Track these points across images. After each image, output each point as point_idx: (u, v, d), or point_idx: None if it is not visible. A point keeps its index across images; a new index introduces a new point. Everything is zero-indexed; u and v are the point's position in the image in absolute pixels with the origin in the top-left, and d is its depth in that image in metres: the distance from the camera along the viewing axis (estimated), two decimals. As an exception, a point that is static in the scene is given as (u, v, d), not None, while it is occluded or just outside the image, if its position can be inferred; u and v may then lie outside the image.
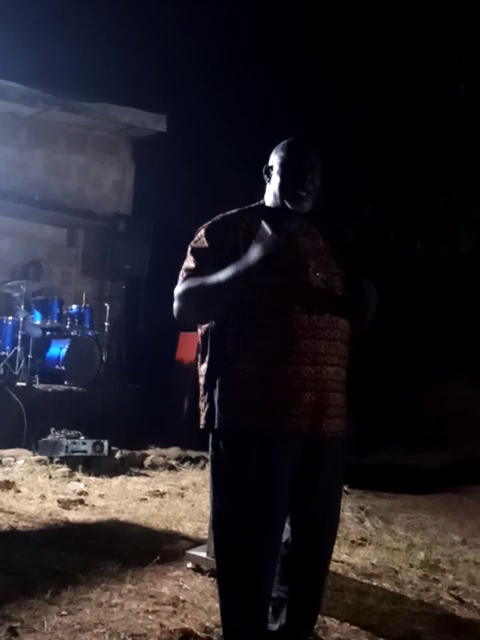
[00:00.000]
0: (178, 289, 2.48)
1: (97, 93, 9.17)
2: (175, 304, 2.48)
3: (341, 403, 2.54)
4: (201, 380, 2.54)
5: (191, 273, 2.47)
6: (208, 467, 6.71)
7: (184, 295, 2.46)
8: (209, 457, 2.59)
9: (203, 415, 2.51)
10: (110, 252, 9.47)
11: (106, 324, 8.92)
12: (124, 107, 9.35)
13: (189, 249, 2.54)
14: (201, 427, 2.53)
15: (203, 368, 2.52)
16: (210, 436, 2.53)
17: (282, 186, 2.57)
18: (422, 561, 4.20)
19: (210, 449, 2.54)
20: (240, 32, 11.17)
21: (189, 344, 8.66)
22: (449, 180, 10.25)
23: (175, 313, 2.49)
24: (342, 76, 11.12)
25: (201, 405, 2.53)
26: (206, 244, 2.50)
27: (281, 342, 2.42)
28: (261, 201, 2.68)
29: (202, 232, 2.55)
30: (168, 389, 9.02)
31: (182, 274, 2.51)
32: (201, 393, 2.53)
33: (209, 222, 2.58)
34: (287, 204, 2.57)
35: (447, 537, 4.86)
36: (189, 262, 2.51)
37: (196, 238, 2.55)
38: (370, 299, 2.53)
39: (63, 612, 3.03)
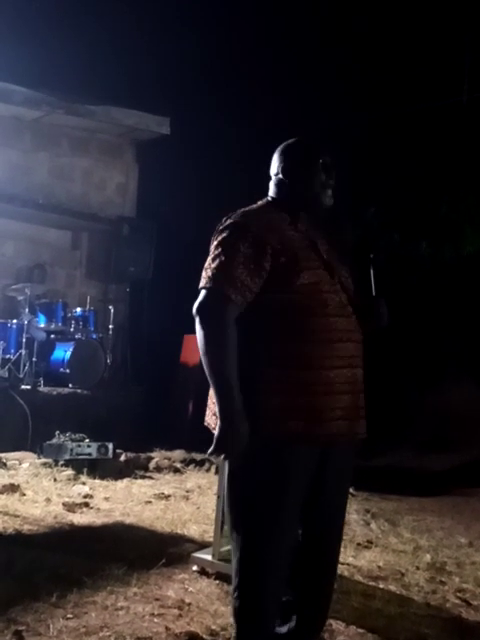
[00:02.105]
0: (207, 317, 2.37)
1: (101, 96, 9.17)
2: (198, 324, 2.39)
3: (365, 404, 2.57)
4: None
5: (223, 278, 2.36)
6: (215, 470, 6.65)
7: (205, 331, 2.36)
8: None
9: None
10: (114, 255, 9.46)
11: (110, 327, 8.92)
12: (127, 110, 9.36)
13: (219, 249, 2.42)
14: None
15: None
16: None
17: (310, 182, 2.58)
18: (428, 564, 4.18)
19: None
20: (242, 34, 11.16)
21: (193, 347, 8.61)
22: (453, 181, 10.22)
23: (197, 328, 2.40)
24: (345, 77, 11.11)
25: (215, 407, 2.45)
26: (237, 241, 2.41)
27: (321, 346, 2.41)
28: (267, 199, 2.65)
29: (231, 231, 2.44)
30: (173, 392, 9.00)
31: (211, 276, 2.39)
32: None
33: (232, 221, 2.48)
34: (312, 201, 2.59)
35: (453, 539, 4.84)
36: (220, 263, 2.39)
37: (222, 238, 2.44)
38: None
39: (69, 615, 3.03)
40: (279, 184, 2.63)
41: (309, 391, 2.39)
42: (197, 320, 2.40)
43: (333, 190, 2.62)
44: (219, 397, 2.34)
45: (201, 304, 2.40)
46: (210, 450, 2.36)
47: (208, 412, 2.54)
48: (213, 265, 2.41)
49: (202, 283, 2.42)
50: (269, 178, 2.70)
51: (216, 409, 2.44)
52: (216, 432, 2.34)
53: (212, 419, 2.49)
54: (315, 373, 2.40)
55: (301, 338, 2.40)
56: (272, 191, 2.66)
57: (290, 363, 2.39)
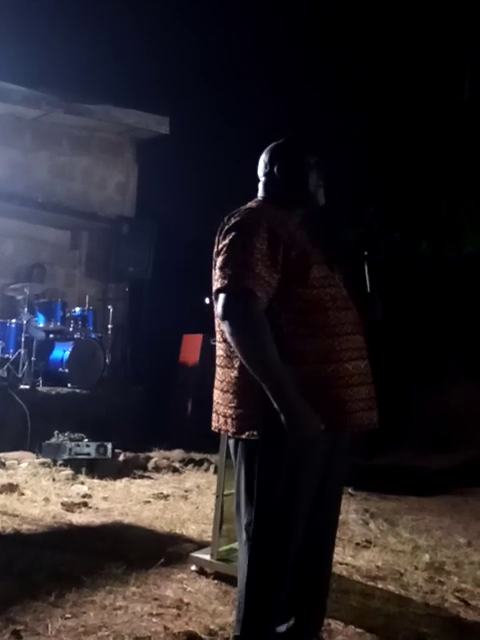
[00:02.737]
0: (239, 318, 2.31)
1: (100, 95, 9.18)
2: (229, 327, 2.33)
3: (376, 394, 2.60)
4: (232, 386, 2.42)
5: (246, 277, 2.31)
6: (213, 469, 6.63)
7: (240, 332, 2.31)
8: (255, 461, 2.43)
9: (252, 422, 2.36)
10: (114, 254, 9.45)
11: (109, 326, 8.91)
12: (127, 109, 9.36)
13: (233, 248, 2.37)
14: (248, 435, 2.39)
15: (234, 375, 2.41)
16: (259, 441, 2.38)
17: (305, 181, 2.59)
18: (427, 563, 4.17)
19: (260, 454, 2.41)
20: (242, 33, 11.17)
21: (192, 346, 8.65)
22: (453, 181, 10.22)
23: (229, 331, 2.34)
24: (345, 76, 11.13)
25: (239, 411, 2.40)
26: (250, 238, 2.37)
27: (336, 339, 2.43)
28: (259, 198, 2.64)
29: (243, 229, 2.39)
30: (172, 391, 9.00)
31: (233, 276, 2.33)
32: (238, 399, 2.40)
33: (240, 219, 2.43)
34: (309, 200, 2.61)
35: (452, 539, 4.83)
36: (239, 262, 2.34)
37: (234, 236, 2.39)
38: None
39: (67, 615, 3.02)
40: (273, 183, 2.61)
41: (331, 385, 2.40)
42: (227, 324, 2.33)
43: (325, 188, 2.64)
44: (276, 389, 2.27)
45: (228, 307, 2.34)
46: (293, 444, 2.29)
47: (216, 416, 2.50)
48: (231, 264, 2.35)
49: (222, 284, 2.35)
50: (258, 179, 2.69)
51: (230, 412, 2.42)
52: (288, 425, 2.26)
53: (227, 423, 2.44)
54: (334, 366, 2.41)
55: (318, 332, 2.41)
56: (263, 191, 2.65)
57: (309, 358, 2.39)
